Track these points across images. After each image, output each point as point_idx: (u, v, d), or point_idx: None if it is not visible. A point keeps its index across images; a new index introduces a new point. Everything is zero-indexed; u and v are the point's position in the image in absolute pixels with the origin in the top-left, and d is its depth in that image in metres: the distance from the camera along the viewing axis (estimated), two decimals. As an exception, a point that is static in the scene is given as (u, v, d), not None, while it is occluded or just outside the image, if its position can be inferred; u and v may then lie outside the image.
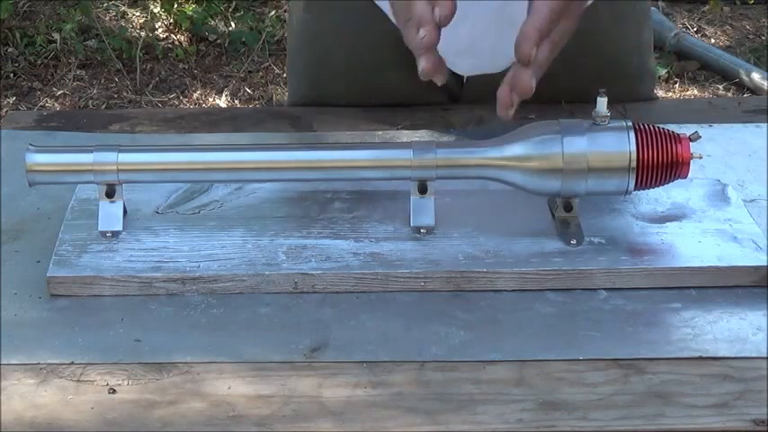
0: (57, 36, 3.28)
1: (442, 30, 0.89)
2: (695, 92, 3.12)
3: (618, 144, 0.92)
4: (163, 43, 3.33)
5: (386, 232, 0.95)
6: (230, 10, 3.43)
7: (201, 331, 0.87)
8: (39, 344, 0.85)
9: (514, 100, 0.91)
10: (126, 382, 0.81)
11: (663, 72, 3.11)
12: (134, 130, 1.17)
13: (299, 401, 0.80)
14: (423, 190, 0.95)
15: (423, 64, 0.89)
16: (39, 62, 3.24)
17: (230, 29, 3.35)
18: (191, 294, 0.91)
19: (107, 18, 3.46)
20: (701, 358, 0.83)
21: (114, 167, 0.94)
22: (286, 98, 1.80)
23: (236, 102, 3.06)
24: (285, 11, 3.39)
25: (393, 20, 0.96)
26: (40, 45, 3.26)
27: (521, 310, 0.89)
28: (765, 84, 3.04)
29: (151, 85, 3.16)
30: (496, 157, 0.94)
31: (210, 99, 3.10)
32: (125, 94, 3.12)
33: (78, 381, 0.82)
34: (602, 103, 0.92)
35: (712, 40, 3.42)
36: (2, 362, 0.83)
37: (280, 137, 1.15)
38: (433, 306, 0.90)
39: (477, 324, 0.88)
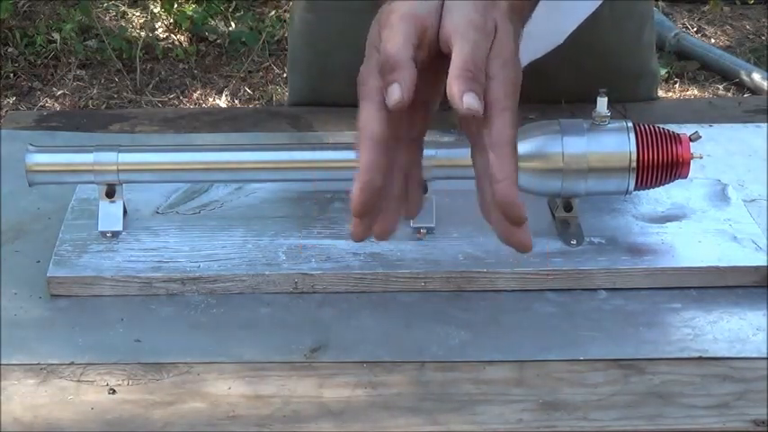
0: (57, 36, 3.29)
1: None
2: (695, 92, 3.12)
3: (618, 144, 0.92)
4: (163, 43, 3.33)
5: (386, 232, 0.95)
6: (230, 10, 3.43)
7: (201, 331, 0.87)
8: (39, 344, 0.85)
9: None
10: (126, 383, 0.81)
11: (663, 72, 3.11)
12: (134, 130, 1.17)
13: (299, 402, 0.80)
14: (423, 190, 0.95)
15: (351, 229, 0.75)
16: (39, 62, 3.24)
17: (230, 29, 3.35)
18: (191, 294, 0.91)
19: (107, 18, 3.46)
20: (701, 358, 0.83)
21: (114, 167, 0.94)
22: (286, 98, 1.79)
23: (236, 102, 3.06)
24: (285, 11, 3.39)
25: None
26: (40, 45, 3.26)
27: (521, 310, 0.89)
28: (765, 84, 3.04)
29: (151, 85, 3.16)
30: (496, 157, 0.94)
31: (210, 99, 3.10)
32: (125, 94, 3.12)
33: (78, 381, 0.82)
34: (602, 103, 0.92)
35: (712, 40, 3.42)
36: (2, 362, 0.83)
37: (280, 137, 1.15)
38: (433, 306, 0.90)
39: (477, 324, 0.88)
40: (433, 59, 0.77)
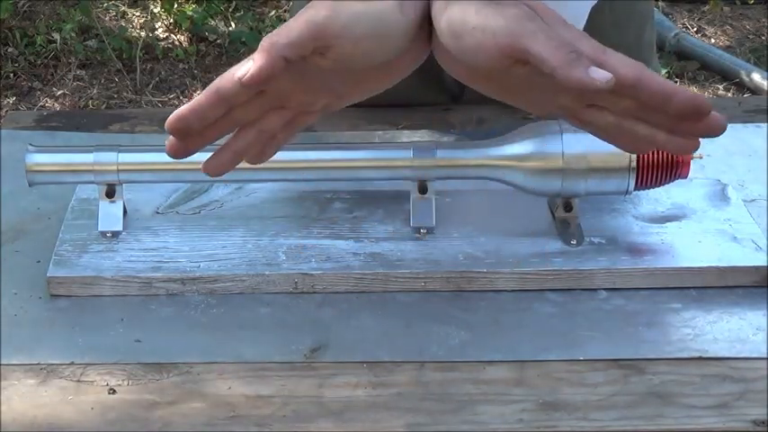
0: (57, 36, 3.29)
1: None
2: (695, 92, 3.12)
3: (618, 144, 0.91)
4: (163, 43, 3.33)
5: (386, 232, 0.95)
6: (230, 10, 3.43)
7: (201, 331, 0.87)
8: (39, 344, 0.85)
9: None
10: (126, 382, 0.81)
11: (663, 72, 3.11)
12: (134, 130, 1.17)
13: (299, 402, 0.80)
14: (423, 190, 0.95)
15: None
16: (39, 62, 3.24)
17: (230, 29, 3.35)
18: (191, 294, 0.91)
19: (107, 18, 3.46)
20: (701, 358, 0.83)
21: (114, 167, 0.94)
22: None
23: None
24: (285, 11, 3.39)
25: None
26: (40, 45, 3.26)
27: (521, 310, 0.89)
28: (765, 84, 3.04)
29: (151, 85, 3.16)
30: (496, 157, 0.94)
31: (210, 99, 3.09)
32: (125, 94, 3.12)
33: (78, 381, 0.82)
34: (602, 103, 0.92)
35: (712, 40, 3.42)
36: (2, 362, 0.83)
37: (280, 137, 1.15)
38: (433, 306, 0.90)
39: (477, 324, 0.87)
40: (355, 69, 0.77)
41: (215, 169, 0.79)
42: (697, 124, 0.73)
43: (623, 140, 0.77)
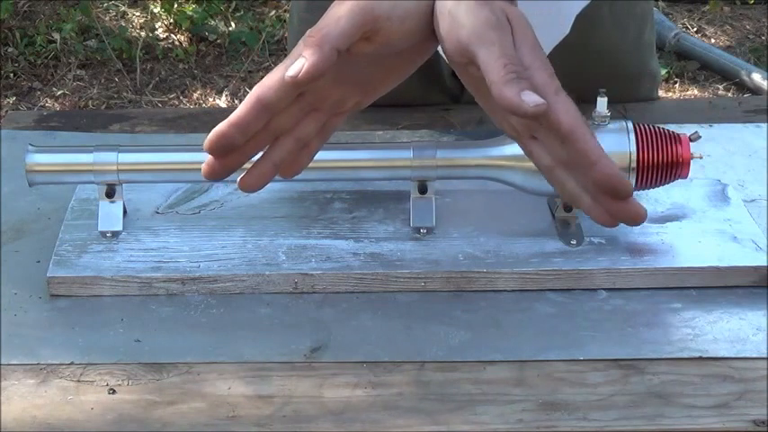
0: (57, 36, 3.29)
1: None
2: (695, 92, 3.12)
3: (618, 144, 0.91)
4: (163, 43, 3.33)
5: (386, 232, 0.95)
6: (230, 10, 3.43)
7: (201, 331, 0.87)
8: (39, 344, 0.85)
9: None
10: (126, 382, 0.81)
11: (663, 72, 3.11)
12: (134, 130, 1.17)
13: (300, 402, 0.80)
14: (423, 190, 0.95)
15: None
16: (39, 62, 3.24)
17: (230, 29, 3.35)
18: (191, 294, 0.91)
19: (107, 18, 3.46)
20: (701, 358, 0.83)
21: (114, 167, 0.94)
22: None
23: (236, 102, 3.06)
24: (285, 11, 3.39)
25: None
26: (40, 45, 3.26)
27: (521, 311, 0.89)
28: (765, 84, 3.04)
29: (151, 85, 3.16)
30: (496, 157, 0.94)
31: (210, 99, 3.10)
32: (125, 94, 3.12)
33: (78, 381, 0.82)
34: (602, 103, 0.92)
35: (712, 40, 3.42)
36: (2, 362, 0.83)
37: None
38: (433, 306, 0.90)
39: (477, 324, 0.87)
40: (385, 57, 0.77)
41: (256, 181, 0.78)
42: (614, 203, 0.71)
43: (555, 186, 0.76)
